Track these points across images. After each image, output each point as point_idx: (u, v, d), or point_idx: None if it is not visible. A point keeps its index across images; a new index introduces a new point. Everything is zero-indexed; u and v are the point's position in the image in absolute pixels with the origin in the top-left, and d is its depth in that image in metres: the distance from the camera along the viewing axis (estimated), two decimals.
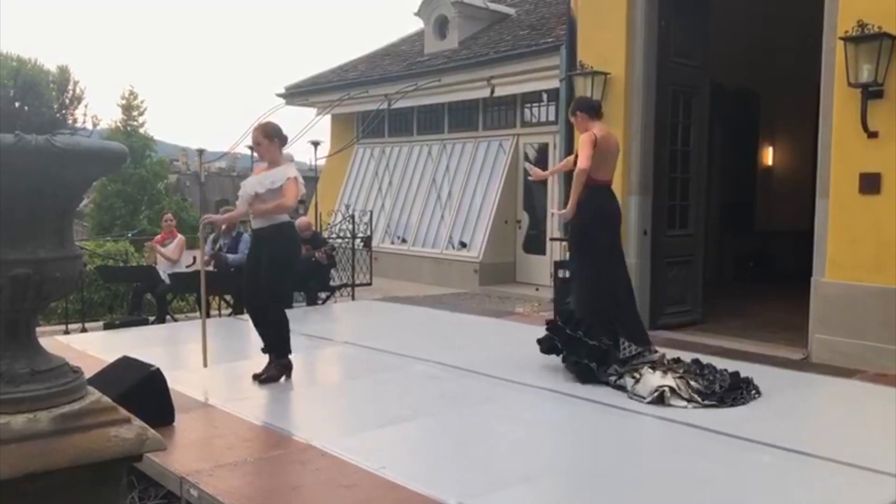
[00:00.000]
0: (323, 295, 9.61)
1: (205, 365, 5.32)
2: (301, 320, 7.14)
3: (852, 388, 5.31)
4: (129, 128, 29.96)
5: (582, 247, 5.61)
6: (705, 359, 5.65)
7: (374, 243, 12.57)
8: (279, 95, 16.36)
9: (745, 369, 5.71)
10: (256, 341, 5.52)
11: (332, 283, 9.81)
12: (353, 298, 10.34)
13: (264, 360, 5.43)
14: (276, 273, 5.28)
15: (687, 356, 5.62)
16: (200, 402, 4.82)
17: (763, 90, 11.46)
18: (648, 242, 7.69)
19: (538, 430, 4.53)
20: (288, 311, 5.63)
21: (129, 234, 14.78)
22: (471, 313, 8.89)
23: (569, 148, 7.82)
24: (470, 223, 12.93)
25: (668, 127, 7.82)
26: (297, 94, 16.23)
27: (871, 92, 5.74)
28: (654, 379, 4.84)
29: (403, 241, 13.97)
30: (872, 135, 5.79)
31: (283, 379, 5.36)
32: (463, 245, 12.87)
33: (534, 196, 12.61)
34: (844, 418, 4.80)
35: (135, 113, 30.43)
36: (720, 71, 9.18)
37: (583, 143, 5.46)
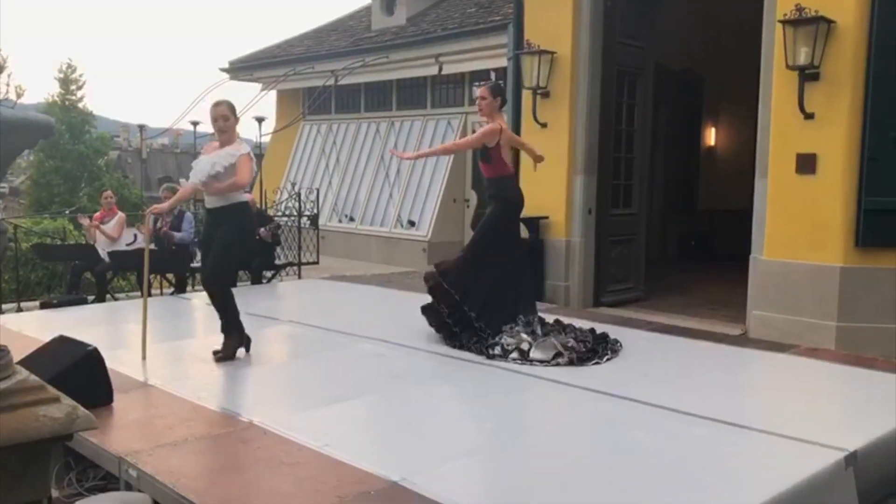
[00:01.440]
0: (268, 273, 9.50)
1: (143, 357, 5.20)
2: (245, 299, 7.03)
3: (786, 363, 5.47)
4: (67, 102, 29.05)
5: (489, 233, 5.87)
6: (647, 335, 5.79)
7: (322, 222, 12.45)
8: (223, 70, 16.06)
9: (685, 345, 5.90)
10: (199, 320, 5.43)
11: (277, 261, 9.69)
12: (299, 277, 10.25)
13: (206, 339, 5.35)
14: (227, 254, 5.24)
15: (629, 332, 5.75)
16: (140, 382, 4.72)
17: (708, 72, 11.63)
18: (593, 221, 7.80)
19: (482, 405, 4.57)
20: (232, 290, 5.56)
21: (68, 212, 14.38)
22: (419, 292, 8.88)
23: (516, 127, 7.85)
24: (418, 202, 12.91)
25: (613, 107, 7.90)
26: (242, 68, 15.93)
27: (808, 74, 5.87)
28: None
29: (351, 219, 13.88)
30: (809, 116, 5.93)
31: (242, 353, 5.32)
32: (411, 224, 12.84)
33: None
34: (778, 391, 4.96)
35: (73, 87, 29.50)
36: (666, 52, 9.29)
37: (487, 130, 5.71)
